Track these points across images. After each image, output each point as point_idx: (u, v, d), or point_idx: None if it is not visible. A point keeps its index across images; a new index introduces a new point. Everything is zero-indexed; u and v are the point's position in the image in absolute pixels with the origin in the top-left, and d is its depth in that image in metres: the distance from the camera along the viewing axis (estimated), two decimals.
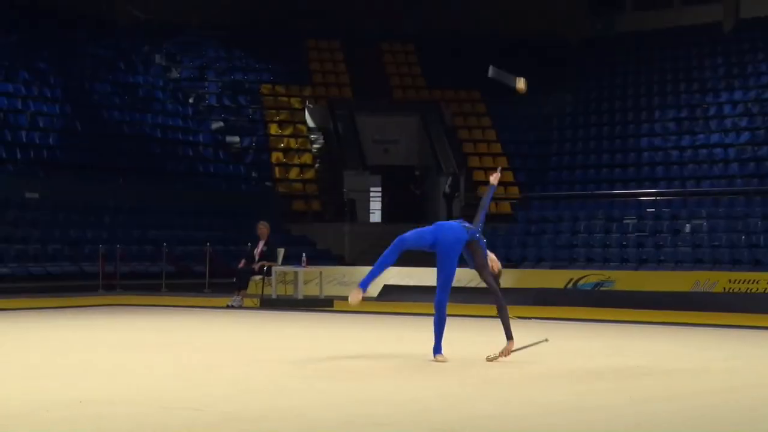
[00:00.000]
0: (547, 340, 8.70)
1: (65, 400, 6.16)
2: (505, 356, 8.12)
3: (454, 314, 12.69)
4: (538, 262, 21.99)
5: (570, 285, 18.59)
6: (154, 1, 28.39)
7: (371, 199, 28.05)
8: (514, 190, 26.69)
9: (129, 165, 24.18)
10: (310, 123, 28.50)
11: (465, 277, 20.17)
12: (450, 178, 26.66)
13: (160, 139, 25.90)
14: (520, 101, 28.21)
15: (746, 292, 17.52)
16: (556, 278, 19.26)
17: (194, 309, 16.09)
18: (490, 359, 8.10)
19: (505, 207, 26.34)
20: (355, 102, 28.65)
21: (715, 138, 24.89)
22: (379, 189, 28.75)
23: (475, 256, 8.12)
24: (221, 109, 27.89)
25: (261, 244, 16.80)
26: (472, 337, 11.02)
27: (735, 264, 20.04)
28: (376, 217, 28.61)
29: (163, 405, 5.97)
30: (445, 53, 29.72)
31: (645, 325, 13.36)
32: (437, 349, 8.23)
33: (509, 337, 8.16)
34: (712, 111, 25.73)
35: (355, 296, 8.01)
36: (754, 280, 17.82)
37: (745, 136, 24.54)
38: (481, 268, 8.14)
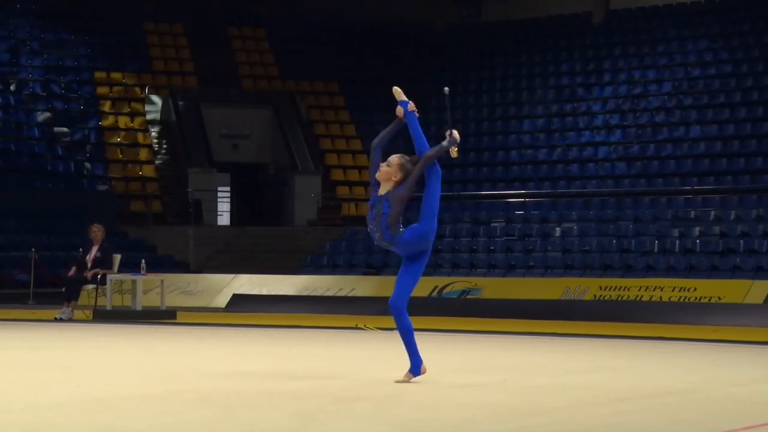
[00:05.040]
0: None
1: None
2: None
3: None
4: None
5: (434, 293, 18.86)
6: None
7: (219, 199, 27.82)
8: None
9: None
10: (151, 114, 28.09)
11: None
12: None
13: None
14: (379, 93, 28.50)
15: (617, 299, 18.16)
16: (420, 286, 19.24)
17: (17, 322, 15.72)
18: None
19: (365, 209, 26.50)
20: (201, 92, 28.37)
21: (585, 136, 25.72)
22: (228, 188, 28.54)
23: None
24: (49, 98, 27.18)
25: (94, 249, 16.60)
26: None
27: (606, 270, 20.76)
28: (224, 219, 28.40)
29: None
30: (300, 41, 29.73)
31: (513, 336, 13.68)
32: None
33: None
34: (582, 107, 26.59)
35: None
36: (624, 287, 18.49)
37: (616, 134, 25.45)
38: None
